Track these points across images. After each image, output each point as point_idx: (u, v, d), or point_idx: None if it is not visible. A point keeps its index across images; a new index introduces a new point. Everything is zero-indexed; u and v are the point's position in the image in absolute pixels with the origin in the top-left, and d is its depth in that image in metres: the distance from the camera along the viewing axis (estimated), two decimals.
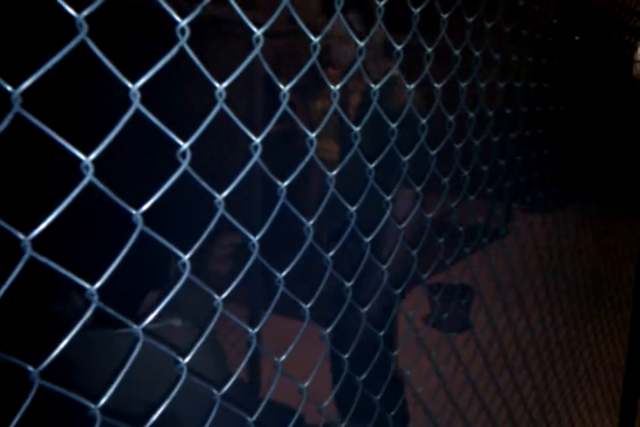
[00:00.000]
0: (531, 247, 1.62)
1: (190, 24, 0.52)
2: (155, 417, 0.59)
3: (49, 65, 0.44)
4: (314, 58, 0.66)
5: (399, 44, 0.79)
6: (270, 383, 0.72)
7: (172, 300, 0.55)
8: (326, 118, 0.69)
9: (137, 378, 0.69)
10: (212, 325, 0.61)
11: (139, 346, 0.54)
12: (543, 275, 1.72)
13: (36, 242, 0.44)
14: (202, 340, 0.61)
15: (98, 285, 0.50)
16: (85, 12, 0.45)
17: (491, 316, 1.35)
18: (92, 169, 0.47)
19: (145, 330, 0.53)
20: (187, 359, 0.59)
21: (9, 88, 0.42)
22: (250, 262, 0.64)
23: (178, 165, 0.54)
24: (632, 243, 2.40)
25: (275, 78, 0.62)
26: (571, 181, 1.88)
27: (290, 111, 0.64)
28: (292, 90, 0.63)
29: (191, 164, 0.55)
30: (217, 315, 0.61)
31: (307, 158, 0.67)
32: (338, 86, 0.68)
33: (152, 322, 0.54)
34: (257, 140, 0.61)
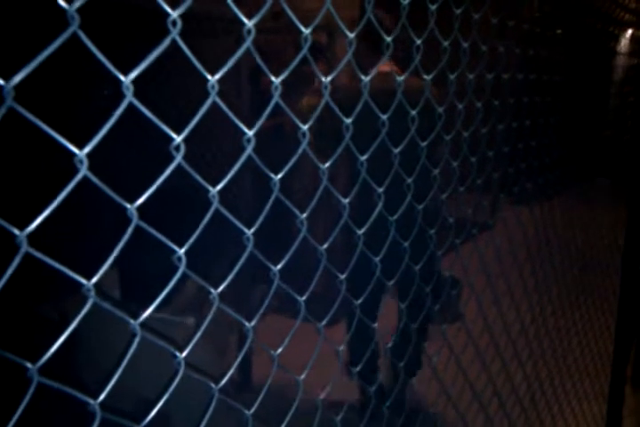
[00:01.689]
0: (519, 238, 1.64)
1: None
2: (154, 412, 0.59)
3: (41, 58, 0.43)
4: (305, 50, 0.66)
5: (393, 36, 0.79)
6: (262, 377, 0.72)
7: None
8: (318, 110, 0.69)
9: (136, 372, 0.69)
10: (209, 319, 0.61)
11: (137, 340, 0.54)
12: (531, 265, 1.74)
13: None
14: (199, 334, 0.61)
15: (94, 280, 0.49)
16: (77, 4, 0.44)
17: (481, 306, 1.37)
18: (86, 163, 0.47)
19: (147, 323, 0.53)
20: (184, 354, 0.59)
21: (1, 82, 0.42)
22: (245, 256, 0.64)
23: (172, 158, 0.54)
24: (618, 233, 2.43)
25: (266, 70, 0.62)
26: (557, 173, 1.89)
27: (282, 103, 0.64)
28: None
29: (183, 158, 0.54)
30: (213, 309, 0.61)
31: (300, 150, 0.67)
32: (329, 78, 0.68)
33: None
34: (250, 133, 0.61)
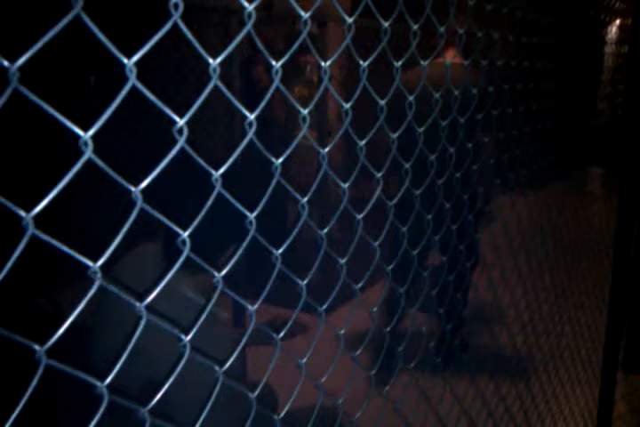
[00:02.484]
0: (514, 226, 1.65)
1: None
2: (160, 394, 0.59)
3: (45, 40, 0.43)
4: (304, 34, 0.66)
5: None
6: (257, 367, 0.73)
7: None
8: (318, 95, 0.69)
9: (140, 354, 0.69)
10: (213, 301, 0.61)
11: (142, 323, 0.54)
12: (526, 251, 1.76)
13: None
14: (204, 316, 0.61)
15: (100, 262, 0.49)
16: None
17: (477, 293, 1.38)
18: (90, 145, 0.47)
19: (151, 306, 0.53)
20: (189, 337, 0.60)
21: (6, 63, 0.41)
22: (247, 241, 0.64)
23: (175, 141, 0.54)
24: (609, 220, 2.45)
25: (267, 54, 0.62)
26: (551, 159, 1.91)
27: (282, 88, 0.64)
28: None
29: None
30: (217, 292, 0.61)
31: (300, 135, 0.67)
32: (328, 62, 0.68)
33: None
34: (251, 117, 0.61)
